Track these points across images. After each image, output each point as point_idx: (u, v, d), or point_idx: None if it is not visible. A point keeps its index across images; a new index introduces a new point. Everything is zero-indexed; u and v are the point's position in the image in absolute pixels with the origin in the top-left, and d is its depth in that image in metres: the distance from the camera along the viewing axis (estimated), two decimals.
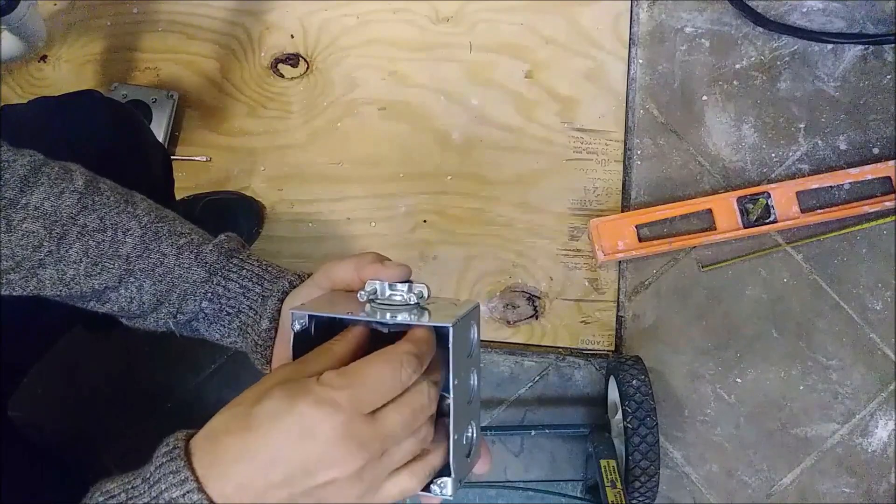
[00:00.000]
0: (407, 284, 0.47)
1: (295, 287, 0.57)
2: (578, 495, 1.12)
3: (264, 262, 0.59)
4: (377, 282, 0.48)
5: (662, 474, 1.07)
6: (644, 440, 1.01)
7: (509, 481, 1.16)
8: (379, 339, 0.47)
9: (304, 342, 0.47)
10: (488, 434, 1.16)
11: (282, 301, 0.56)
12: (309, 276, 0.57)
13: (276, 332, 0.56)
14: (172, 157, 1.28)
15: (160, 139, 1.25)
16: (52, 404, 1.18)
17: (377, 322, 0.46)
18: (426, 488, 0.44)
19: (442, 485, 0.44)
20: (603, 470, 1.01)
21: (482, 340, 1.20)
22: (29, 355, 0.76)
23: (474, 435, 0.47)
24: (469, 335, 0.46)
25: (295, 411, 0.39)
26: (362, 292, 0.48)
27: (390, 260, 0.51)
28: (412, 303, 0.47)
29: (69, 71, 1.33)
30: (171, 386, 1.20)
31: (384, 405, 0.41)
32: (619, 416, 1.05)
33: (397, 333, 0.47)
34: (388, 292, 0.48)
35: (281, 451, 0.39)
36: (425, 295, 0.47)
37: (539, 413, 1.18)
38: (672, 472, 1.16)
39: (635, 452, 1.02)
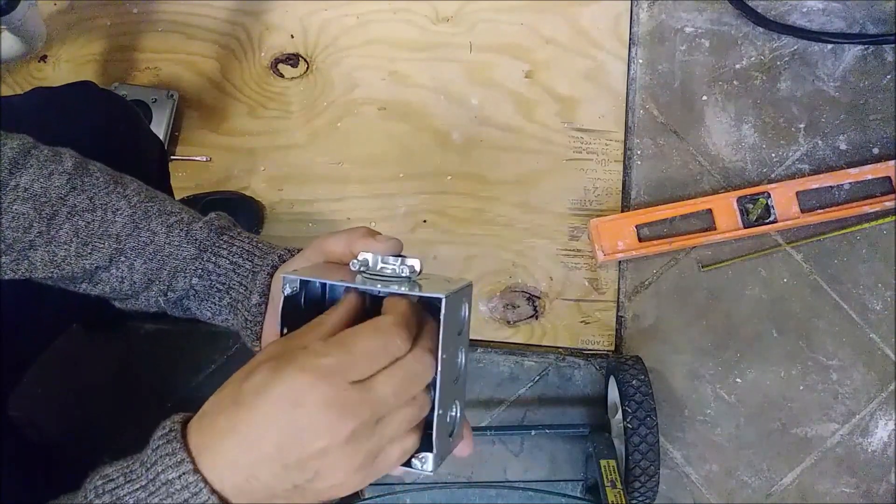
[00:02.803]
0: (399, 258, 0.47)
1: (285, 261, 0.57)
2: (578, 495, 1.12)
3: (254, 239, 0.59)
4: (369, 254, 0.48)
5: (662, 474, 1.07)
6: (644, 440, 1.01)
7: (509, 481, 1.16)
8: (371, 317, 0.48)
9: (294, 311, 0.47)
10: (488, 434, 1.16)
11: (271, 276, 0.56)
12: (299, 251, 0.57)
13: (266, 307, 0.56)
14: (172, 158, 1.28)
15: (161, 139, 1.25)
16: (52, 404, 1.18)
17: (369, 290, 0.46)
18: (407, 462, 0.44)
19: (423, 459, 0.44)
20: (603, 470, 1.01)
21: (482, 340, 1.21)
22: (25, 354, 0.76)
23: (458, 415, 0.47)
24: (460, 313, 0.46)
25: (281, 380, 0.38)
26: (354, 262, 0.48)
27: (381, 234, 0.51)
28: (404, 275, 0.47)
29: (69, 71, 1.33)
30: (172, 385, 1.20)
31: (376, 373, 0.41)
32: (619, 416, 1.05)
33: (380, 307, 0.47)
34: (379, 265, 0.47)
35: (269, 422, 0.38)
36: (417, 269, 0.47)
37: (539, 413, 1.18)
38: (672, 472, 1.16)
39: (635, 452, 1.01)
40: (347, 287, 0.46)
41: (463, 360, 0.47)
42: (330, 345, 0.40)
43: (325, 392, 0.38)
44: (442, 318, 0.43)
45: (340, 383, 0.39)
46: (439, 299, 0.43)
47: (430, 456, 0.44)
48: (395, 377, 0.41)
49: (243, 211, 1.23)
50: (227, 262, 0.57)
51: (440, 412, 0.44)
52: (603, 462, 1.02)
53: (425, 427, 0.45)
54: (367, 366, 0.40)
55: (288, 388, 0.38)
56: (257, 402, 0.39)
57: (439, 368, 0.43)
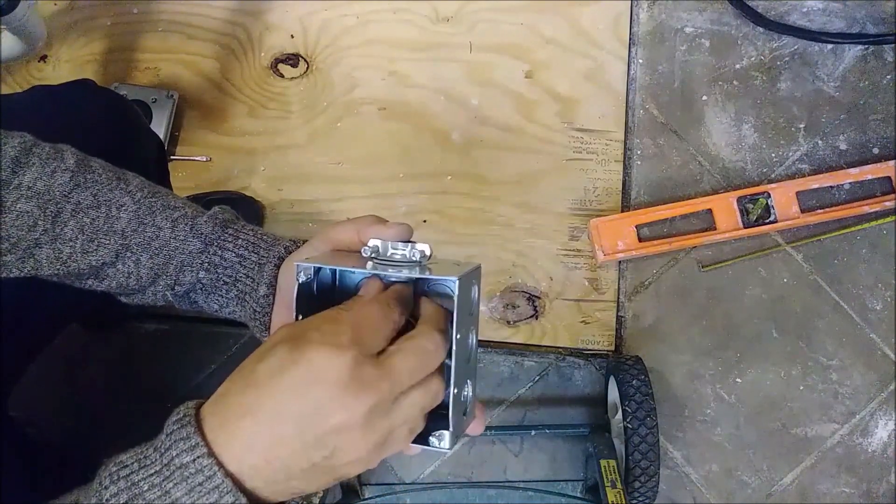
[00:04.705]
0: (409, 244, 0.48)
1: (291, 252, 0.57)
2: (578, 495, 1.12)
3: (259, 231, 0.59)
4: (379, 241, 0.49)
5: (662, 474, 1.07)
6: (644, 440, 1.01)
7: (509, 481, 1.16)
8: None
9: (306, 299, 0.48)
10: (488, 434, 1.16)
11: (278, 267, 0.57)
12: (305, 241, 0.57)
13: (273, 298, 0.56)
14: (172, 158, 1.28)
15: (161, 139, 1.25)
16: (52, 404, 1.18)
17: (383, 276, 0.47)
18: (424, 441, 0.45)
19: (440, 436, 0.45)
20: (603, 470, 1.01)
21: (482, 340, 1.21)
22: (24, 353, 0.76)
23: (470, 394, 0.48)
24: (471, 294, 0.47)
25: (298, 360, 0.39)
26: (365, 248, 0.48)
27: (390, 221, 0.52)
28: (415, 260, 0.47)
29: (69, 71, 1.33)
30: (172, 385, 1.20)
31: (389, 350, 0.42)
32: (619, 416, 1.05)
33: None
34: (389, 251, 0.48)
35: (288, 400, 0.39)
36: (427, 254, 0.47)
37: (539, 413, 1.18)
38: (672, 472, 1.16)
39: (635, 452, 1.01)
40: (365, 274, 0.48)
41: (474, 341, 0.48)
42: (340, 322, 0.41)
43: (343, 368, 0.39)
44: (456, 299, 0.44)
45: (359, 357, 0.40)
46: (453, 281, 0.44)
47: (446, 434, 0.45)
48: (410, 354, 0.42)
49: (243, 211, 1.23)
50: (233, 254, 0.58)
51: (455, 391, 0.45)
52: (603, 462, 1.02)
53: (440, 406, 0.45)
54: (378, 335, 0.42)
55: (306, 367, 0.39)
56: (275, 381, 0.39)
57: (454, 348, 0.44)
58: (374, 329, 0.42)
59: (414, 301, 0.48)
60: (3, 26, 1.18)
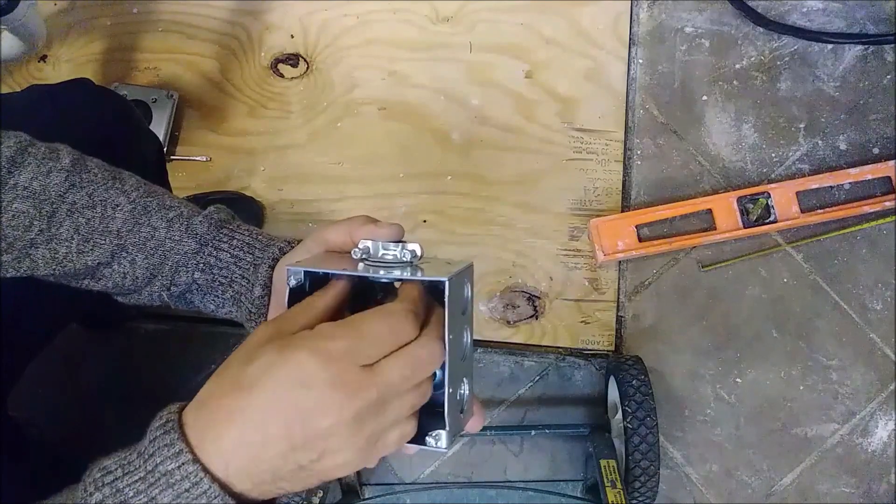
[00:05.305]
0: (399, 244, 0.48)
1: (285, 253, 0.57)
2: (578, 495, 1.12)
3: (254, 231, 0.59)
4: (370, 241, 0.48)
5: (662, 474, 1.07)
6: (644, 440, 1.01)
7: (509, 481, 1.16)
8: (364, 299, 0.49)
9: (299, 300, 0.48)
10: (488, 434, 1.16)
11: (272, 268, 0.57)
12: (299, 242, 0.57)
13: (268, 299, 0.56)
14: (172, 158, 1.28)
15: (160, 139, 1.25)
16: (52, 404, 1.18)
17: (373, 277, 0.47)
18: (421, 441, 0.45)
19: (437, 436, 0.45)
20: (603, 470, 1.01)
21: (482, 340, 1.21)
22: (24, 353, 0.76)
23: (467, 392, 0.48)
24: (463, 292, 0.47)
25: (289, 362, 0.39)
26: (356, 250, 0.48)
27: (381, 221, 0.52)
28: (406, 260, 0.47)
29: (69, 71, 1.33)
30: (172, 385, 1.20)
31: (384, 358, 0.41)
32: (619, 416, 1.05)
33: (384, 293, 0.49)
34: (380, 251, 0.48)
35: (277, 402, 0.39)
36: (418, 253, 0.47)
37: (539, 413, 1.18)
38: (672, 472, 1.16)
39: (635, 452, 1.01)
40: (354, 276, 0.47)
41: (468, 339, 0.48)
42: (339, 328, 0.41)
43: (333, 373, 0.39)
44: (446, 300, 0.44)
45: (349, 366, 0.39)
46: (443, 282, 0.44)
47: (443, 433, 0.45)
48: (404, 363, 0.41)
49: (243, 211, 1.23)
50: (229, 255, 0.58)
51: (450, 390, 0.45)
52: (603, 462, 1.02)
53: (436, 405, 0.45)
54: (376, 350, 0.41)
55: (296, 369, 0.39)
56: (264, 383, 0.39)
57: (447, 349, 0.44)
58: (374, 343, 0.41)
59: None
60: (3, 26, 1.18)
